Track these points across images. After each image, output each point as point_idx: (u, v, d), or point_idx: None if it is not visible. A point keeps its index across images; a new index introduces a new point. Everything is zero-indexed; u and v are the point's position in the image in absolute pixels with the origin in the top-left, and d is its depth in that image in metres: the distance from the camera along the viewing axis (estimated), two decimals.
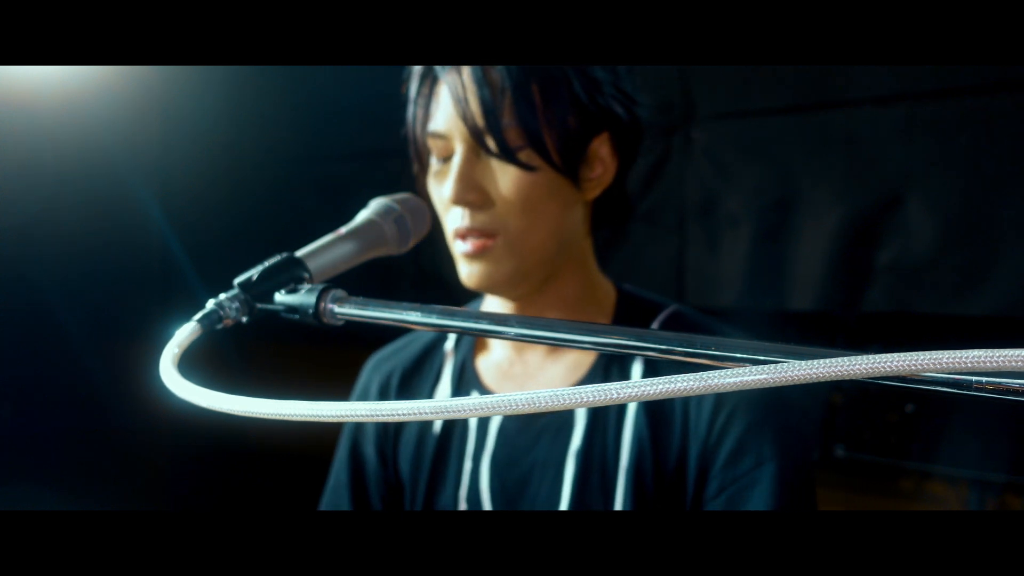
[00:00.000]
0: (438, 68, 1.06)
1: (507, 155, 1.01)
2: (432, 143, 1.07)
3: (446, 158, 1.06)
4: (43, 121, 2.41)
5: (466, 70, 1.02)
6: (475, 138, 1.02)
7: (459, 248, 1.06)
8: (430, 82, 1.08)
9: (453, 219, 1.06)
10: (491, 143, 1.01)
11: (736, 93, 1.85)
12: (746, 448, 1.02)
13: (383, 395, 1.23)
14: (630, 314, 1.14)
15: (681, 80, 1.90)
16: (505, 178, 1.02)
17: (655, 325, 1.12)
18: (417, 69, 1.10)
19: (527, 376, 1.14)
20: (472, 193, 1.02)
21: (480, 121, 1.01)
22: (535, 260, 1.06)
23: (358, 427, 1.25)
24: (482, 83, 1.01)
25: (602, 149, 1.08)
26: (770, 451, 1.02)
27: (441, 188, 1.06)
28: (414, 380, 1.23)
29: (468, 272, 1.07)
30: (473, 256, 1.05)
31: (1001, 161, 1.57)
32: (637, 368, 1.09)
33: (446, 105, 1.05)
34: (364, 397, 1.27)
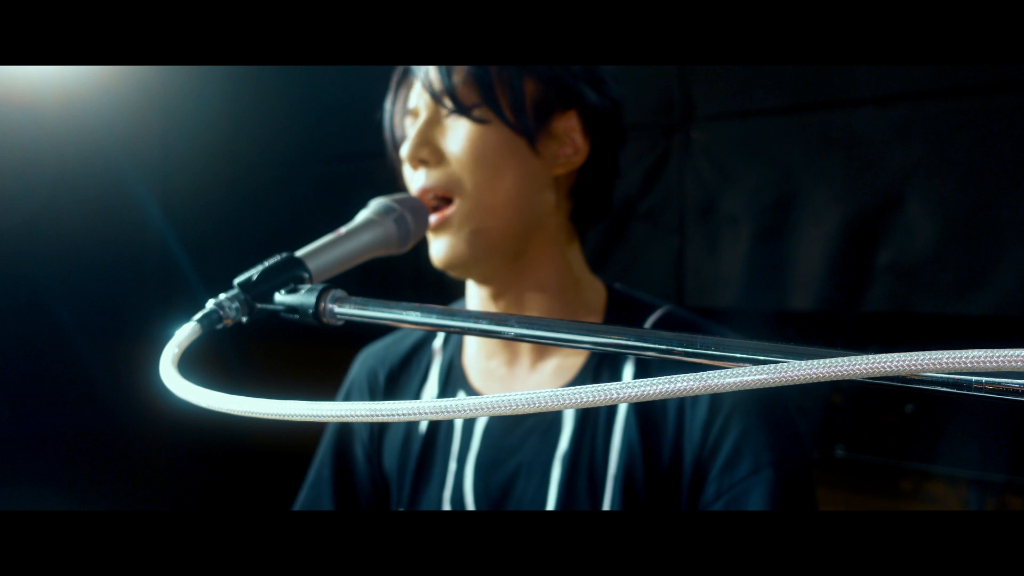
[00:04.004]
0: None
1: (460, 109, 1.03)
2: (408, 127, 1.10)
3: None
4: (43, 121, 2.41)
5: None
6: (433, 98, 1.04)
7: None
8: (407, 71, 1.12)
9: (414, 184, 1.06)
10: (447, 100, 1.03)
11: (736, 93, 1.85)
12: (743, 453, 1.01)
13: (371, 392, 1.23)
14: (622, 314, 1.13)
15: (681, 80, 1.90)
16: (459, 133, 1.04)
17: (647, 326, 1.11)
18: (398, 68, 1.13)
19: (514, 376, 1.14)
20: (425, 149, 1.04)
21: (437, 83, 1.04)
22: (497, 227, 1.05)
23: (344, 425, 1.24)
24: None
25: (571, 128, 1.08)
26: (767, 456, 1.01)
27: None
28: (401, 377, 1.22)
29: (436, 249, 1.07)
30: (435, 229, 1.05)
31: (1001, 161, 1.57)
32: (628, 369, 1.08)
33: (416, 84, 1.09)
34: (351, 393, 1.26)
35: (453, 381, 1.17)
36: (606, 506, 1.04)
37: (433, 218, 1.04)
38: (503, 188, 1.04)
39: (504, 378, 1.14)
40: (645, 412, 1.06)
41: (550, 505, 1.05)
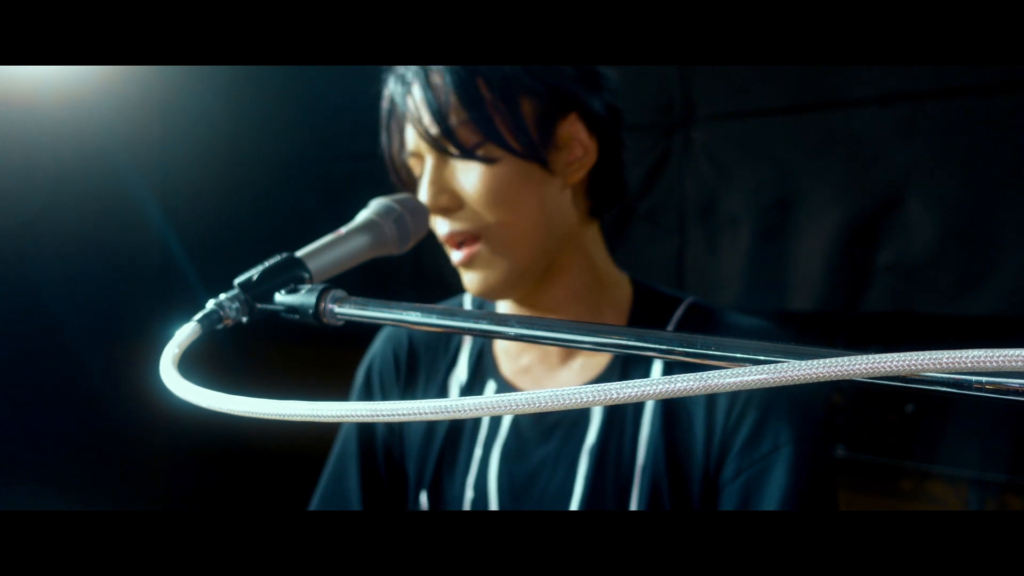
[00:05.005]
0: (396, 96, 1.07)
1: (466, 153, 1.02)
2: (412, 165, 1.09)
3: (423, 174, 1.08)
4: (43, 121, 2.41)
5: (416, 87, 1.04)
6: (435, 147, 1.03)
7: (454, 259, 1.08)
8: (393, 109, 1.10)
9: (439, 229, 1.07)
10: (449, 146, 1.02)
11: (736, 93, 1.85)
12: (764, 432, 1.02)
13: (395, 366, 1.23)
14: (648, 309, 1.13)
15: (681, 80, 1.90)
16: (471, 176, 1.03)
17: (675, 317, 1.11)
18: (384, 99, 1.11)
19: (545, 371, 1.14)
20: (443, 196, 1.04)
21: (433, 129, 1.02)
22: (526, 253, 1.06)
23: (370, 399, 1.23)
24: (427, 91, 1.02)
25: (576, 131, 1.07)
26: (787, 435, 1.01)
27: None
28: (427, 357, 1.22)
29: (468, 281, 1.08)
30: (465, 265, 1.06)
31: (1001, 161, 1.57)
32: (657, 366, 1.08)
33: (409, 125, 1.07)
34: (372, 366, 1.26)
35: (484, 369, 1.17)
36: (634, 499, 1.04)
37: (461, 254, 1.05)
38: (527, 217, 1.05)
39: (534, 371, 1.15)
40: (670, 408, 1.06)
41: (576, 496, 1.06)
